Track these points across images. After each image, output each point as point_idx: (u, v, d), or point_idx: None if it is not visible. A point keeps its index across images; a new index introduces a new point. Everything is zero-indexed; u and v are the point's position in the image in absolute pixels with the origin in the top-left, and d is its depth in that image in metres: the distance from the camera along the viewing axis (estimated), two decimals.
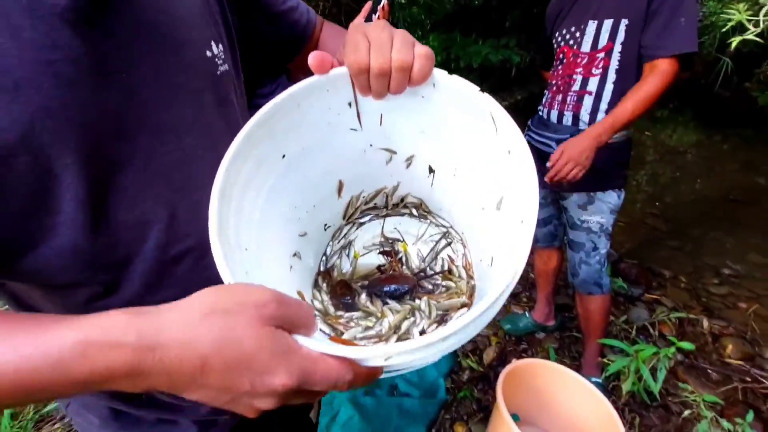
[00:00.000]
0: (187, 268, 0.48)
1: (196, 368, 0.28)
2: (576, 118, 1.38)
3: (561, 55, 1.43)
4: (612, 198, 1.40)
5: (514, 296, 2.23)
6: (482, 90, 0.42)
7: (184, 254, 0.47)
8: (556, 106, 1.43)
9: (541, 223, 1.71)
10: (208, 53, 0.47)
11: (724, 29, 0.83)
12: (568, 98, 1.39)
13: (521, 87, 5.74)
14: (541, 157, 1.48)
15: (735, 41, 0.83)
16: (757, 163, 3.86)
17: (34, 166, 0.34)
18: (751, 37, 0.80)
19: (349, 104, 0.46)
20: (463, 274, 0.54)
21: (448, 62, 4.67)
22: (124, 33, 0.39)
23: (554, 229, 1.72)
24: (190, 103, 0.45)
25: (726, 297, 2.19)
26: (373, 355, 0.30)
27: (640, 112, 1.18)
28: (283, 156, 0.47)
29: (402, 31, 0.41)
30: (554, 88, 1.45)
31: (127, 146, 0.40)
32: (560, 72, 1.43)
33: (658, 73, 1.16)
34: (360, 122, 0.48)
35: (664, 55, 1.17)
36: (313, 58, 0.41)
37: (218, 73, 0.48)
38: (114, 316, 0.29)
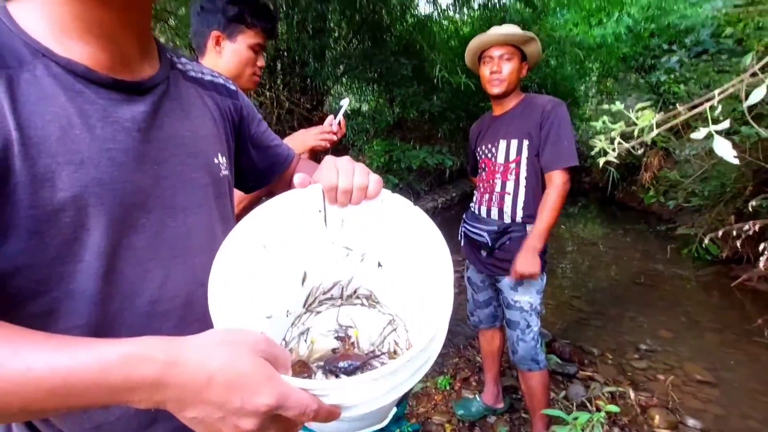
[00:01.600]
0: (172, 325, 0.55)
1: (204, 382, 0.35)
2: (501, 212, 1.68)
3: (483, 165, 1.79)
4: (536, 280, 1.64)
5: (464, 380, 2.29)
6: (414, 204, 0.59)
7: (170, 313, 0.55)
8: (484, 204, 1.74)
9: (483, 304, 1.90)
10: (215, 161, 0.62)
11: (593, 152, 1.15)
12: (493, 197, 1.70)
13: (455, 186, 6.47)
14: (474, 245, 1.74)
15: (602, 161, 1.15)
16: (653, 253, 4.54)
17: (74, 220, 0.45)
18: (610, 158, 1.12)
19: (319, 211, 0.59)
20: None
21: (390, 163, 5.19)
22: (162, 139, 0.54)
23: (494, 310, 1.91)
24: (198, 193, 0.59)
25: (646, 370, 2.43)
26: (333, 386, 0.40)
27: (554, 219, 1.54)
28: (264, 246, 0.58)
29: (361, 164, 0.59)
30: (482, 190, 1.77)
31: (146, 216, 0.52)
32: (484, 177, 1.77)
33: (555, 186, 1.54)
34: (326, 223, 0.61)
35: (556, 168, 1.55)
36: (297, 178, 0.57)
37: (220, 175, 0.63)
38: (150, 338, 0.37)
